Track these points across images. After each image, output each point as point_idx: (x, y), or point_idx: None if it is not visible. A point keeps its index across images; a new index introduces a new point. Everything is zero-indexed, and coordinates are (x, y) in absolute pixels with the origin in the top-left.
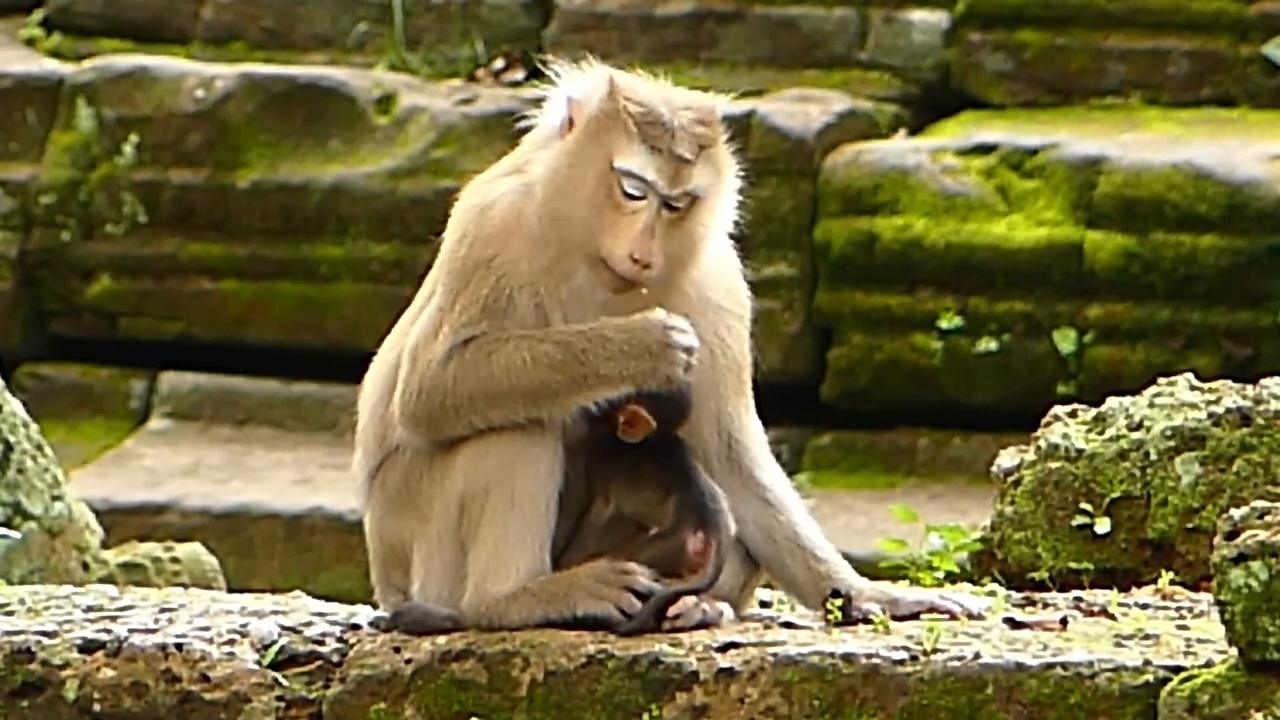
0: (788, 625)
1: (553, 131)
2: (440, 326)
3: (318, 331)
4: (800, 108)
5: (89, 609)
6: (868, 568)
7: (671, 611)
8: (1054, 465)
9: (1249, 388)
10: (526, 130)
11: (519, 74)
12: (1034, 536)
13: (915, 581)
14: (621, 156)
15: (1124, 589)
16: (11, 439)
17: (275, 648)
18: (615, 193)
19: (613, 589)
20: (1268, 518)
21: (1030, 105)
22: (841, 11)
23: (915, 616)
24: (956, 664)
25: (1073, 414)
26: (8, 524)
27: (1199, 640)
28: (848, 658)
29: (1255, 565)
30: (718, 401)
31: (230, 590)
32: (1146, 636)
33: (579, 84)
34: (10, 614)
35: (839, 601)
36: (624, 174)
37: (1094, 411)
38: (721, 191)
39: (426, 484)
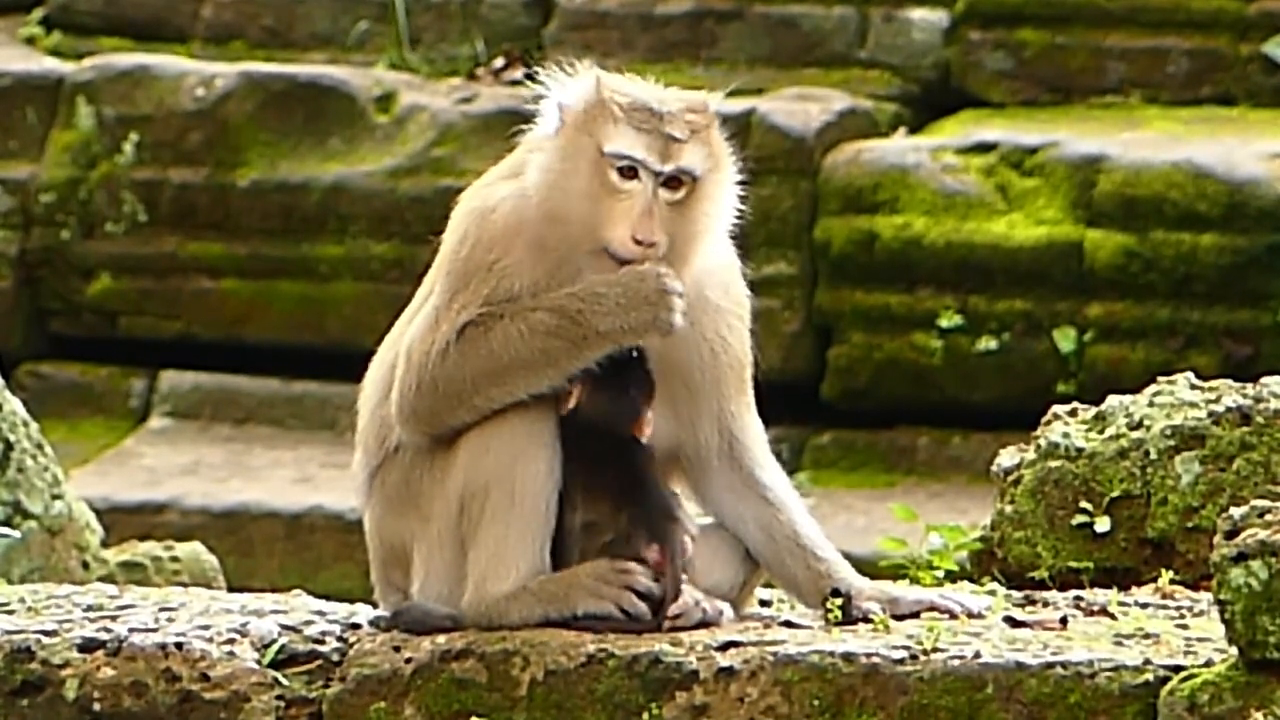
0: (788, 624)
1: (546, 138)
2: (437, 325)
3: (318, 331)
4: (800, 106)
5: (89, 608)
6: (868, 567)
7: (671, 611)
8: (1054, 464)
9: (1249, 387)
10: (520, 132)
11: (519, 73)
12: (1034, 536)
13: (915, 581)
14: (610, 142)
15: (1124, 588)
16: (11, 438)
17: (275, 647)
18: (609, 179)
19: (613, 588)
20: (1268, 517)
21: (1030, 104)
22: (841, 10)
23: (915, 616)
24: (956, 663)
25: (1073, 413)
26: (8, 523)
27: (1199, 639)
28: (848, 657)
29: (1255, 564)
30: (718, 400)
31: (230, 589)
32: (1146, 636)
33: (568, 90)
34: (10, 613)
35: (839, 601)
36: (614, 157)
37: (1094, 410)
38: (720, 182)
39: (427, 483)
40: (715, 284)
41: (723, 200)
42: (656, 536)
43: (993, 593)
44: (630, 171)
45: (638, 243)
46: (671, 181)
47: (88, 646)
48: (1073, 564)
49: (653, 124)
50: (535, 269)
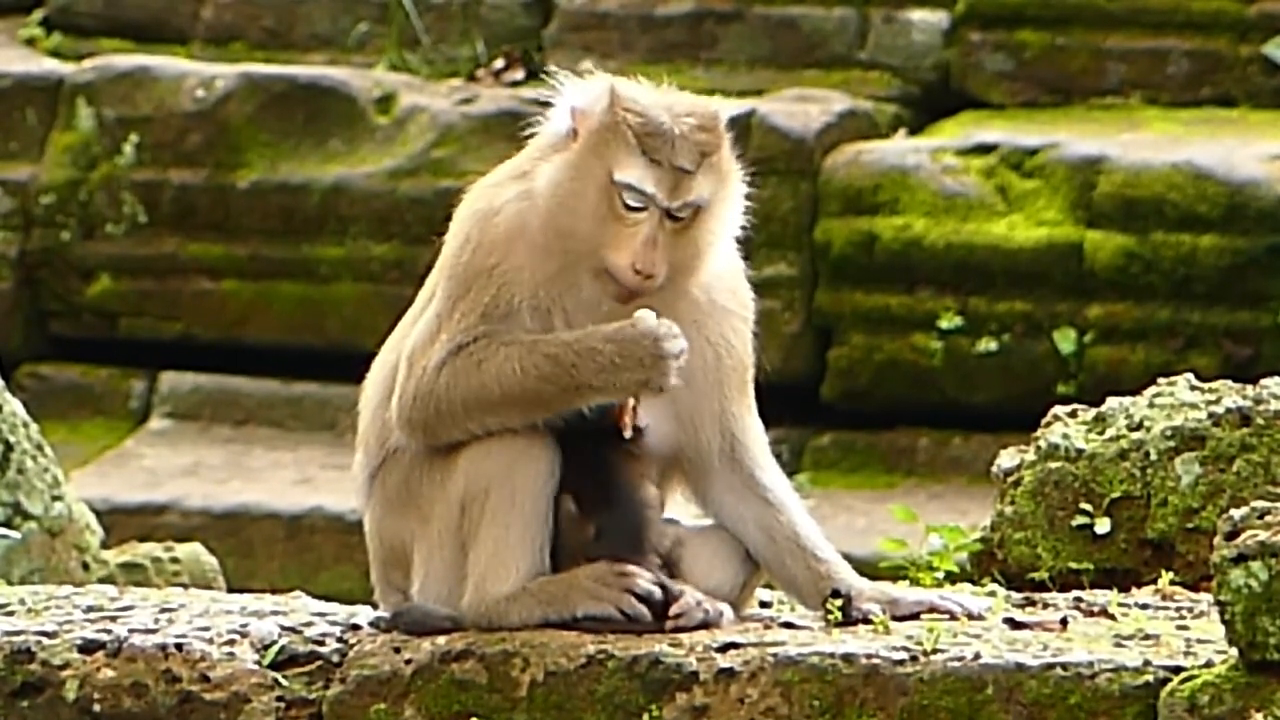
0: (788, 625)
1: (556, 141)
2: (438, 332)
3: (318, 331)
4: (800, 107)
5: (89, 609)
6: (868, 568)
7: (672, 611)
8: (1054, 465)
9: (1249, 388)
10: (527, 132)
11: (519, 74)
12: (1034, 537)
13: (915, 582)
14: (621, 169)
15: (1124, 589)
16: (11, 439)
17: (275, 648)
18: (616, 205)
19: (613, 590)
20: (1268, 518)
21: (1030, 105)
22: (841, 11)
23: (915, 617)
24: (956, 664)
25: (1073, 414)
26: (8, 524)
27: (1199, 640)
28: (848, 658)
29: (1255, 565)
30: (721, 402)
31: (230, 590)
32: (1146, 637)
33: (582, 93)
34: (10, 614)
35: (839, 602)
36: (624, 187)
37: (1094, 411)
38: (726, 199)
39: (427, 484)
40: (722, 288)
41: (730, 216)
42: (617, 556)
43: (993, 594)
44: (638, 202)
45: (637, 272)
46: (677, 211)
47: (88, 647)
48: (1073, 565)
49: (664, 153)
50: (535, 275)
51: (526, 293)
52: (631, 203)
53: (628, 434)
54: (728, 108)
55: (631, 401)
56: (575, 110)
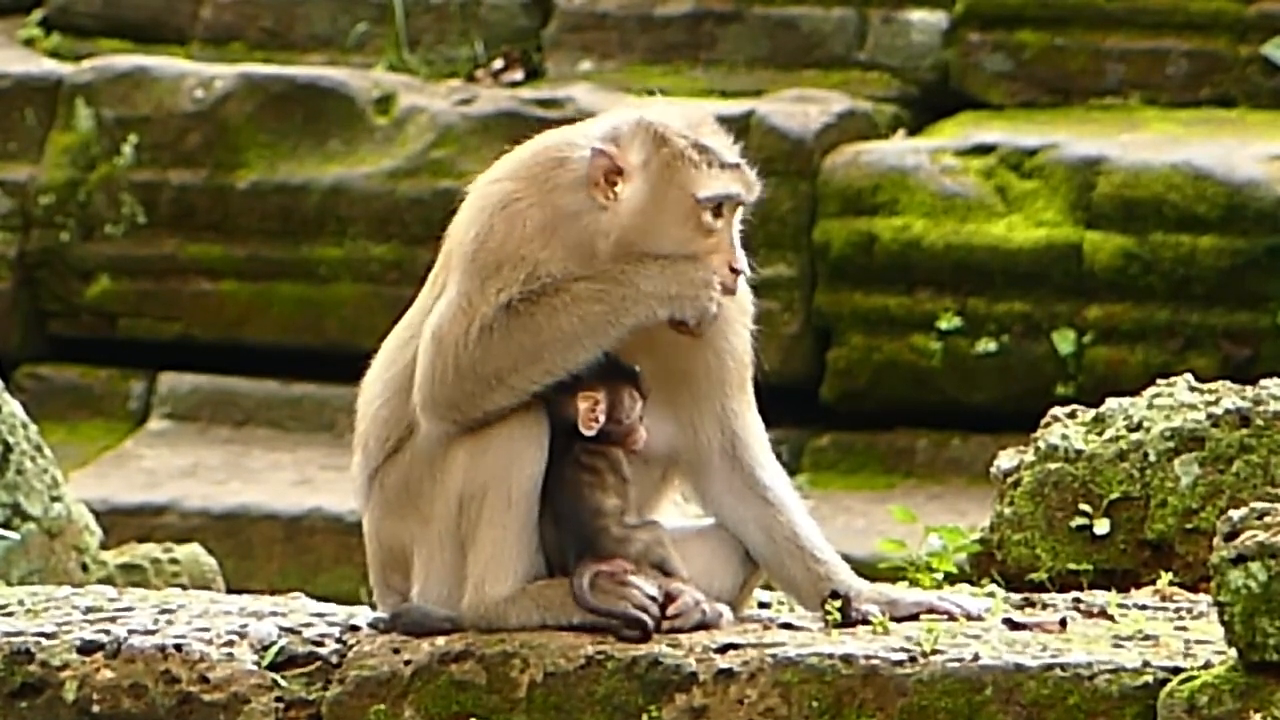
0: (787, 626)
1: (584, 181)
2: (471, 308)
3: (317, 332)
4: (799, 108)
5: (88, 610)
6: (867, 569)
7: (670, 611)
8: (1053, 466)
9: (1248, 388)
10: (524, 133)
11: (518, 74)
12: (1033, 537)
13: (914, 582)
14: (702, 189)
15: (1123, 590)
16: (11, 440)
17: (274, 649)
18: (704, 221)
19: (610, 598)
20: (1267, 519)
21: (1029, 105)
22: (840, 11)
23: (914, 617)
24: (955, 665)
25: (1072, 415)
26: (7, 525)
27: (1198, 641)
28: (847, 659)
29: (1254, 566)
30: (721, 401)
31: (229, 591)
32: (1145, 637)
33: (606, 132)
34: (10, 615)
35: (838, 602)
36: (711, 201)
37: (1093, 412)
38: None
39: (427, 485)
40: None
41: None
42: (577, 567)
43: (992, 595)
44: (719, 209)
45: (734, 270)
46: (753, 203)
47: (87, 648)
48: (1072, 566)
49: (722, 157)
50: (568, 263)
51: (559, 273)
52: (715, 211)
53: (589, 431)
54: (714, 108)
55: (598, 396)
56: (606, 154)
